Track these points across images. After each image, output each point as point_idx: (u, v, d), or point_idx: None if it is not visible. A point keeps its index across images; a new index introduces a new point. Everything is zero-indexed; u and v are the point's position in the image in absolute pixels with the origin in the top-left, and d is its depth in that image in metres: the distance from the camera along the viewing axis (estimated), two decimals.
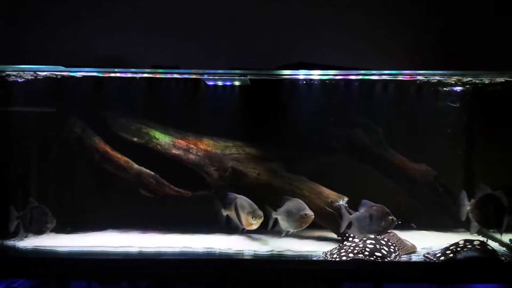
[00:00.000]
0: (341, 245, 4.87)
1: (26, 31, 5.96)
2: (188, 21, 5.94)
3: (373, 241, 4.69)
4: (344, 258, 4.55)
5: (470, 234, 5.15)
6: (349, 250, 4.61)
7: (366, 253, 4.54)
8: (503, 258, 4.57)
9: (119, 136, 5.77)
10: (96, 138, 5.72)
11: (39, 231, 4.52)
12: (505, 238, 5.09)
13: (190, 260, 4.68)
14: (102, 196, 5.97)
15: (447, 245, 4.70)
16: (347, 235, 5.03)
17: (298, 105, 5.69)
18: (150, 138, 5.74)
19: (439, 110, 5.85)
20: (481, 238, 4.99)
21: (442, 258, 4.56)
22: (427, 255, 4.69)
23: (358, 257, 4.51)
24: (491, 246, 4.63)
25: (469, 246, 4.57)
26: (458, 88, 5.77)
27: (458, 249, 4.56)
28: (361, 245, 4.65)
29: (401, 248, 4.82)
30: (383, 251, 4.61)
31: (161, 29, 5.93)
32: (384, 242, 4.74)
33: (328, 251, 4.78)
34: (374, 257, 4.52)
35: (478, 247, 4.56)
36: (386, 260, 4.51)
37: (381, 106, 5.67)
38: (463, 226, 5.84)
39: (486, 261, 4.49)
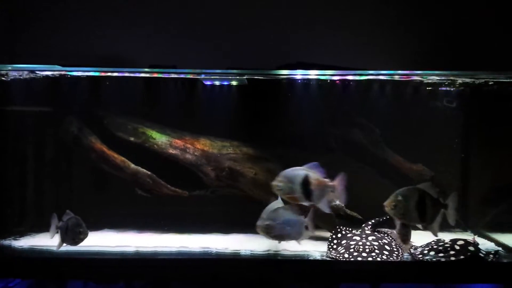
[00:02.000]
0: (346, 241, 4.87)
1: (22, 30, 5.95)
2: (186, 21, 5.93)
3: (374, 237, 4.71)
4: (351, 256, 4.57)
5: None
6: (356, 248, 4.63)
7: (377, 251, 4.57)
8: (486, 257, 4.54)
9: (116, 136, 5.76)
10: (92, 138, 5.71)
11: (73, 242, 4.58)
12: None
13: (187, 260, 4.68)
14: (99, 196, 5.96)
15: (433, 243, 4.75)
16: (339, 229, 5.04)
17: (296, 105, 5.69)
18: (147, 138, 5.73)
19: (436, 110, 5.86)
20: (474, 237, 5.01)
21: (421, 256, 4.61)
22: (413, 252, 4.71)
23: (369, 256, 4.54)
24: (475, 246, 4.62)
25: (451, 245, 4.61)
26: (455, 88, 5.80)
27: (440, 247, 4.61)
28: (368, 244, 4.67)
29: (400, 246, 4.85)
30: (387, 246, 4.65)
31: (159, 29, 5.92)
32: (386, 241, 4.79)
33: (330, 246, 4.81)
34: (383, 255, 4.55)
35: (462, 246, 4.58)
36: (388, 259, 4.54)
37: (378, 106, 5.69)
38: (459, 225, 5.89)
39: (481, 260, 4.51)
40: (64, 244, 4.63)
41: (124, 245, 5.04)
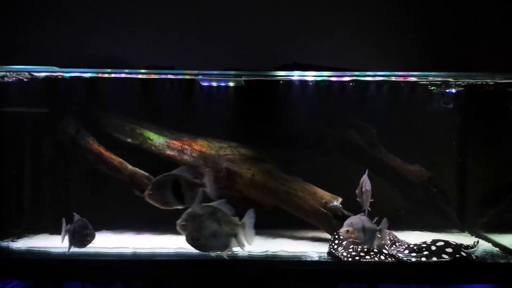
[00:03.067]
0: (347, 242, 4.86)
1: (20, 31, 5.94)
2: (183, 22, 5.94)
3: None
4: (349, 256, 4.58)
5: None
6: (354, 248, 4.64)
7: (376, 251, 4.59)
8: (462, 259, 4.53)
9: (113, 137, 5.76)
10: (90, 139, 5.71)
11: (80, 244, 4.61)
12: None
13: (185, 261, 4.68)
14: (96, 197, 5.95)
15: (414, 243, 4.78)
16: (336, 235, 5.04)
17: (293, 106, 5.70)
18: (144, 139, 5.74)
19: (433, 111, 5.88)
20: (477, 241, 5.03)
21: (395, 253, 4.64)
22: (391, 252, 4.70)
23: (368, 255, 4.56)
24: (453, 247, 4.61)
25: (427, 245, 4.62)
26: (452, 89, 5.82)
27: (417, 247, 4.63)
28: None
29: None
30: (386, 246, 4.68)
31: (156, 30, 5.93)
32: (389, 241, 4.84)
33: (332, 246, 4.82)
34: (381, 254, 4.57)
35: (440, 247, 4.58)
36: (386, 259, 4.57)
37: (375, 107, 5.70)
38: (456, 226, 5.90)
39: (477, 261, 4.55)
40: (73, 247, 4.64)
41: (122, 246, 5.03)
